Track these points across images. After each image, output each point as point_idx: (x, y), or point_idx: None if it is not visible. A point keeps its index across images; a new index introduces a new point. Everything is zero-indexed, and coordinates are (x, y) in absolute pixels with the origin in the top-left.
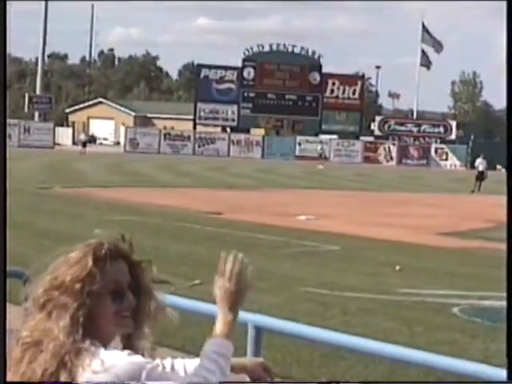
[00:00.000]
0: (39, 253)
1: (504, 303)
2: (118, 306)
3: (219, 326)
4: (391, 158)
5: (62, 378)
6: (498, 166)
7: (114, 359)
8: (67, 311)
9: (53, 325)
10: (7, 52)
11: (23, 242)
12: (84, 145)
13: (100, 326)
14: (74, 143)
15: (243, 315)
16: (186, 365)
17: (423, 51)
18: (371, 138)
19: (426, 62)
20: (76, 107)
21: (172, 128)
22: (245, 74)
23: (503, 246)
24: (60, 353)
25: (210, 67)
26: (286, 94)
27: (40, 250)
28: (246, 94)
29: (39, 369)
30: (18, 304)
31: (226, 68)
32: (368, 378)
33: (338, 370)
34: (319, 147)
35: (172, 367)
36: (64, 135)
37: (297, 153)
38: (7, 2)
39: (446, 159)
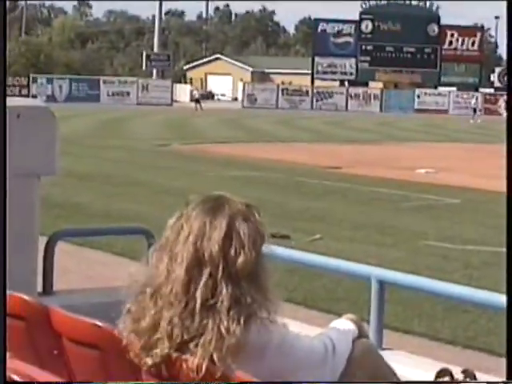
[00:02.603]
0: (160, 210)
1: None
2: None
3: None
4: None
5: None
6: None
7: None
8: (255, 270)
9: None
10: (124, 10)
11: (144, 199)
12: (197, 101)
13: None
14: (192, 100)
15: (367, 269)
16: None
17: None
18: (491, 90)
19: None
20: (193, 64)
21: (290, 83)
22: (362, 27)
23: None
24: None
25: (327, 21)
26: (404, 46)
27: (161, 208)
28: (363, 48)
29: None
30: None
31: (343, 22)
32: (491, 331)
33: (461, 324)
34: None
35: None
36: (182, 92)
37: (416, 106)
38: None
39: None
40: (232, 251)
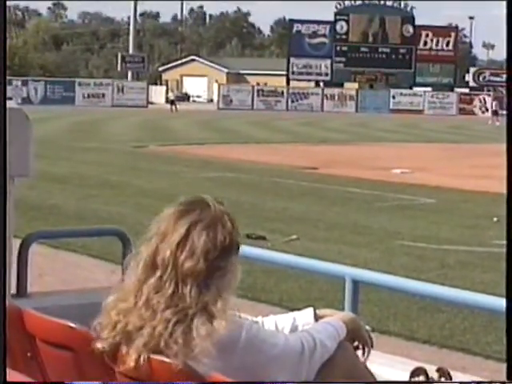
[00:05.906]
0: (136, 212)
1: None
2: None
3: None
4: (486, 109)
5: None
6: None
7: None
8: (205, 277)
9: (189, 291)
10: (99, 12)
11: (119, 201)
12: (172, 103)
13: (233, 286)
14: (167, 101)
15: (341, 268)
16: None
17: None
18: (466, 90)
19: None
20: (169, 65)
21: (265, 84)
22: (337, 28)
23: None
24: (211, 317)
25: (302, 22)
26: (379, 47)
27: (137, 209)
28: (338, 48)
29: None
30: (117, 263)
31: (318, 22)
32: (467, 330)
33: (436, 323)
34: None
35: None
36: (157, 94)
37: (391, 106)
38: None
39: None
40: (182, 257)
